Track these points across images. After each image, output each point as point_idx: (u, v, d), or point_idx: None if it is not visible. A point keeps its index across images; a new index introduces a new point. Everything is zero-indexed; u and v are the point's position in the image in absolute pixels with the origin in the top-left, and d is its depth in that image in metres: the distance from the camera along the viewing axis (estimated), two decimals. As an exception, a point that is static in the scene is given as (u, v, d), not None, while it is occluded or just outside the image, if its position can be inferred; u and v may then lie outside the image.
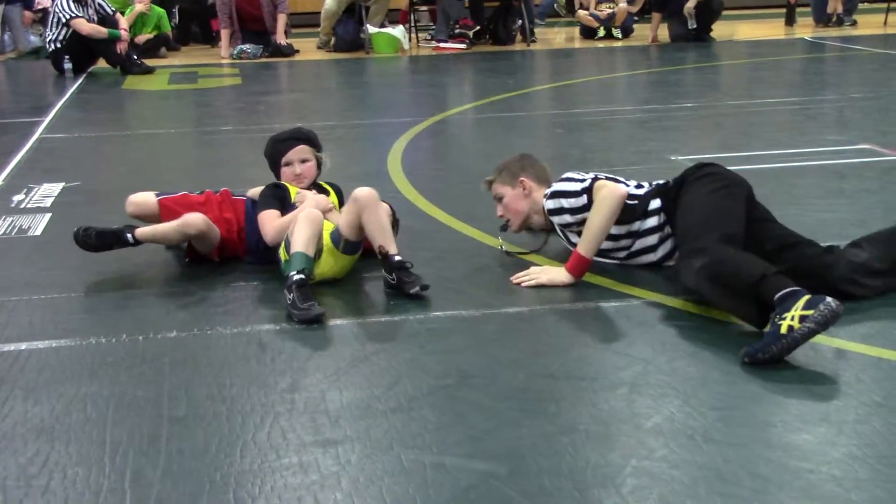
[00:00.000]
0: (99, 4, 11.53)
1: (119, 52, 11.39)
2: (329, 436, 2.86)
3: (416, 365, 3.35)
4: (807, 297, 3.25)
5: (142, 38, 12.66)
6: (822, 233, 4.63)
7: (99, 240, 4.36)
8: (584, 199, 4.14)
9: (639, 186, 4.24)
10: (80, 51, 11.38)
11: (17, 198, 5.69)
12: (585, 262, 4.07)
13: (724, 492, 2.52)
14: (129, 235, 4.36)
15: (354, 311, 3.89)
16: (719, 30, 13.58)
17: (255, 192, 4.56)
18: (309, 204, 4.25)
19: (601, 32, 13.94)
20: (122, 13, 12.08)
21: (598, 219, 4.03)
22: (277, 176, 4.57)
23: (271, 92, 10.59)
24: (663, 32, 13.47)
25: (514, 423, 2.92)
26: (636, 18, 14.69)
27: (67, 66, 11.42)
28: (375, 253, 4.04)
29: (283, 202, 4.36)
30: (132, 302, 4.04)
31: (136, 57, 11.61)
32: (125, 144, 7.57)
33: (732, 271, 3.50)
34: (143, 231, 4.38)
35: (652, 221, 4.16)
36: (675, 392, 3.09)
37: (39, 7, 14.06)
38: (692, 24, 13.05)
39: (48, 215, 5.31)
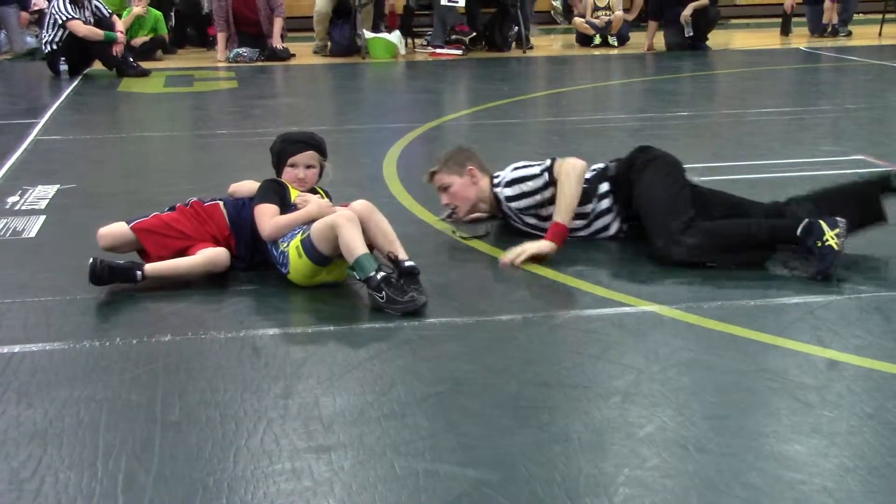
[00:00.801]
0: (96, 6, 11.52)
1: (115, 54, 11.38)
2: (322, 442, 2.86)
3: (410, 371, 3.36)
4: (823, 221, 4.10)
5: (138, 41, 12.66)
6: (815, 243, 4.64)
7: (111, 275, 4.19)
8: (544, 178, 4.54)
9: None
10: (76, 52, 11.38)
11: (11, 199, 5.68)
12: (563, 229, 4.43)
13: (716, 502, 2.53)
14: (138, 273, 4.19)
15: (348, 317, 3.89)
16: (715, 39, 13.61)
17: (238, 187, 4.55)
18: (313, 208, 4.25)
19: (597, 40, 13.96)
20: (119, 15, 12.08)
21: (569, 188, 4.45)
22: (279, 173, 4.55)
23: (267, 96, 10.59)
24: (659, 41, 13.50)
25: (506, 430, 2.92)
26: (636, 26, 14.73)
27: (63, 67, 11.42)
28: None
29: (282, 200, 4.35)
30: (126, 305, 4.04)
31: (132, 59, 11.61)
32: (120, 147, 7.56)
33: (727, 240, 4.25)
34: (156, 267, 4.24)
35: (605, 203, 4.66)
36: (667, 401, 3.09)
37: (36, 8, 14.06)
38: (688, 33, 13.08)
39: (42, 217, 5.30)
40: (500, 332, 3.72)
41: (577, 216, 4.58)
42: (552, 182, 4.53)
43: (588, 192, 4.59)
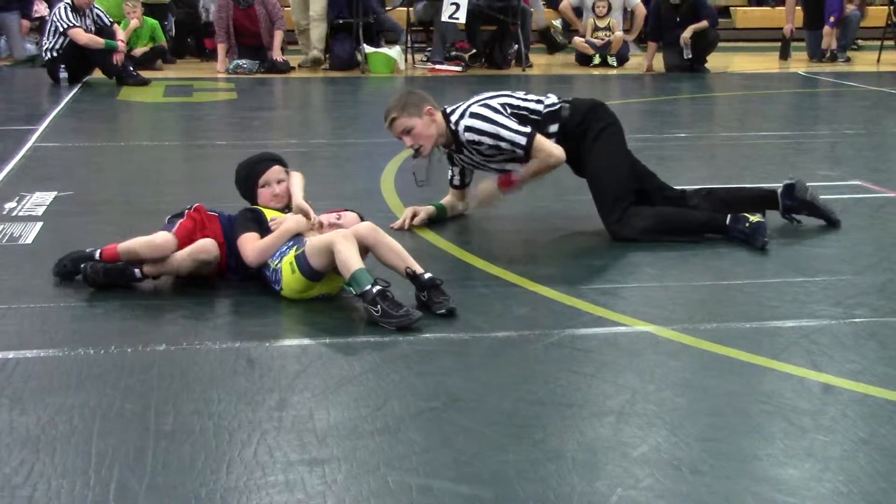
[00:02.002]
0: (97, 15, 11.54)
1: (115, 62, 11.39)
2: (316, 455, 2.86)
3: (404, 386, 3.35)
4: (749, 216, 4.96)
5: (139, 52, 12.67)
6: (810, 267, 4.67)
7: (106, 277, 4.26)
8: (522, 142, 4.93)
9: (538, 102, 5.10)
10: (77, 60, 11.38)
11: (8, 206, 5.68)
12: (514, 184, 5.02)
13: (708, 524, 2.53)
14: (136, 270, 4.25)
15: (344, 331, 3.88)
16: (714, 61, 13.64)
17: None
18: (290, 224, 4.26)
19: (597, 60, 13.99)
20: (119, 23, 12.08)
21: (542, 166, 4.99)
22: (252, 201, 4.54)
23: (266, 108, 10.60)
24: (658, 62, 13.53)
25: (500, 447, 2.92)
26: (639, 46, 14.77)
27: (63, 75, 11.41)
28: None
29: (260, 225, 4.35)
30: (121, 314, 4.03)
31: (131, 68, 11.61)
32: (118, 155, 7.56)
33: (674, 223, 4.99)
34: (151, 266, 4.28)
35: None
36: (662, 422, 3.09)
37: (37, 16, 14.06)
38: (687, 55, 13.10)
39: (39, 224, 5.30)
40: (496, 348, 3.72)
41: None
42: (526, 155, 4.98)
43: (540, 124, 5.02)
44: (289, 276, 4.11)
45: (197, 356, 3.60)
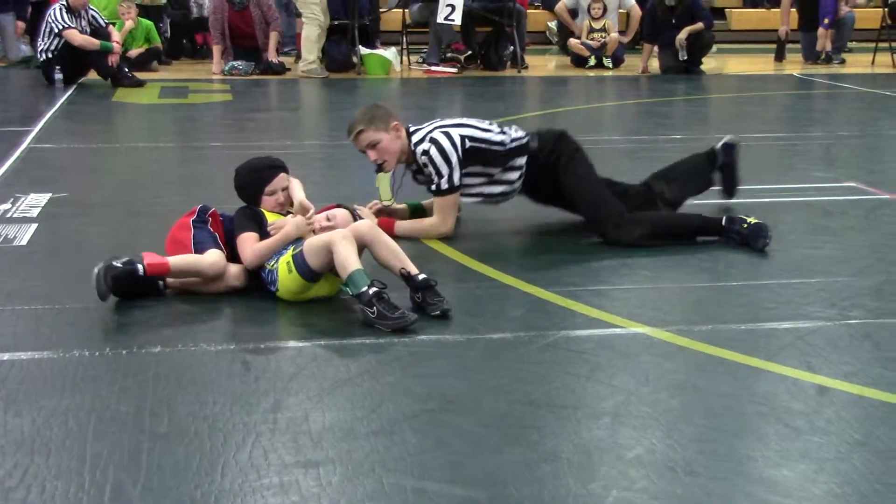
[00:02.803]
0: (92, 16, 11.51)
1: (111, 64, 11.37)
2: (311, 457, 2.86)
3: (399, 388, 3.35)
4: (746, 217, 5.02)
5: (134, 53, 12.65)
6: (805, 269, 4.67)
7: (128, 286, 4.12)
8: (444, 187, 4.99)
9: (502, 133, 5.09)
10: (72, 62, 11.35)
11: (3, 207, 5.67)
12: (391, 231, 4.79)
13: (703, 525, 2.53)
14: (139, 266, 4.11)
15: (339, 333, 3.88)
16: (709, 63, 13.65)
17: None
18: (290, 229, 4.25)
19: (592, 61, 13.99)
20: (114, 25, 12.06)
21: (423, 230, 5.03)
22: (256, 204, 4.45)
23: (261, 109, 10.59)
24: (654, 64, 13.54)
25: (495, 449, 2.92)
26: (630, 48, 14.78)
27: (58, 76, 11.38)
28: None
29: (259, 226, 4.33)
30: (116, 316, 4.03)
31: (127, 69, 11.60)
32: (113, 157, 7.56)
33: (672, 227, 5.05)
34: (176, 280, 4.25)
35: (512, 175, 5.11)
36: (657, 423, 3.09)
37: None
38: (683, 57, 13.11)
39: (34, 226, 5.29)
40: (491, 350, 3.72)
41: (479, 174, 5.07)
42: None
43: (505, 158, 5.06)
44: (285, 276, 4.11)
45: (192, 358, 3.60)
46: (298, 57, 13.08)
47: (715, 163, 5.63)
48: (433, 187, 5.03)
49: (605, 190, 5.11)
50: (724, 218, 5.04)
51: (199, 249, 4.25)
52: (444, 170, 4.97)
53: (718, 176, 5.67)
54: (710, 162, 5.64)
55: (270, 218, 4.38)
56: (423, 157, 4.99)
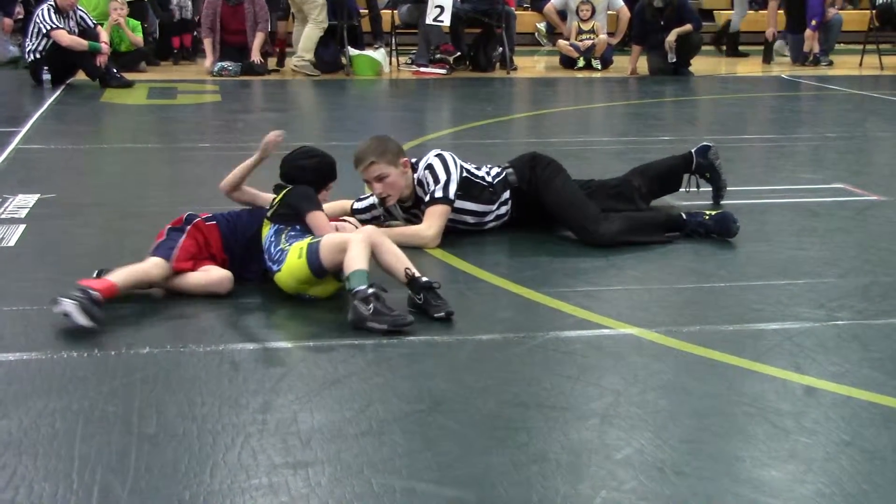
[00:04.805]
0: (80, 17, 11.49)
1: (99, 64, 11.35)
2: (300, 458, 2.86)
3: (388, 389, 3.35)
4: (707, 211, 5.25)
5: (136, 39, 12.62)
6: (793, 270, 4.68)
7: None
8: (438, 196, 4.98)
9: (479, 169, 5.23)
10: (60, 62, 11.33)
11: (-9, 208, 5.66)
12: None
13: (692, 526, 2.53)
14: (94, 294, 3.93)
15: (328, 334, 3.88)
16: (698, 65, 13.68)
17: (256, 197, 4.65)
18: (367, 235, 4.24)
19: (581, 63, 14.01)
20: (102, 25, 12.03)
21: (409, 236, 4.90)
22: (318, 190, 4.52)
23: (250, 110, 10.58)
24: (642, 65, 13.56)
25: (484, 450, 2.92)
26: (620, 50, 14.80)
27: (46, 77, 11.36)
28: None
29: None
30: (105, 316, 4.01)
31: (115, 70, 11.57)
32: (102, 157, 7.54)
33: (643, 225, 5.17)
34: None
35: (503, 209, 5.26)
36: (645, 424, 3.10)
37: (20, 17, 13.98)
38: (671, 58, 13.14)
39: (22, 226, 5.27)
40: (480, 351, 3.72)
41: (473, 213, 5.18)
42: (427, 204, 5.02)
43: (488, 196, 5.19)
44: (293, 260, 4.12)
45: (181, 359, 3.59)
46: (276, 58, 13.14)
47: (690, 165, 5.78)
48: (427, 197, 5.03)
49: (582, 195, 5.22)
50: (683, 213, 5.23)
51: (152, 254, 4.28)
52: (443, 177, 5.02)
53: (698, 180, 5.81)
54: (685, 164, 5.80)
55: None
56: (425, 171, 5.06)
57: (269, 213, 4.39)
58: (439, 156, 5.12)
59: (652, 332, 3.89)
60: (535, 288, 4.38)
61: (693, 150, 5.82)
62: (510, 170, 5.30)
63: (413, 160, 5.14)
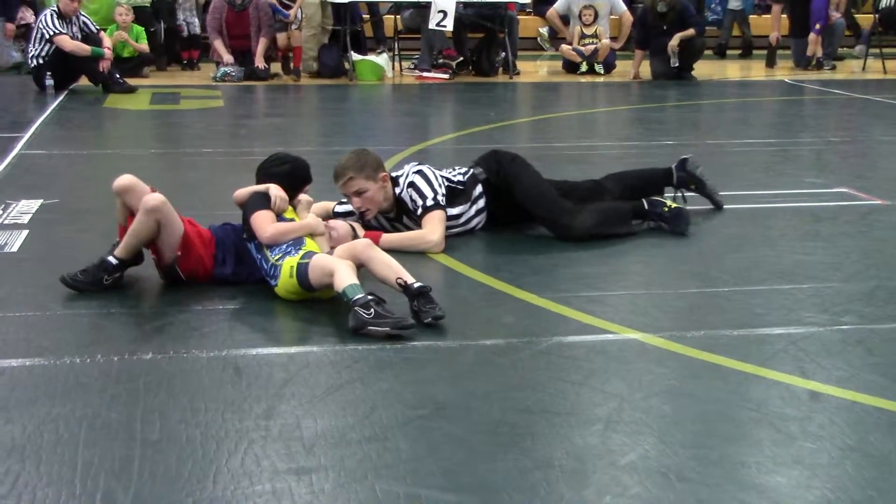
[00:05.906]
0: (83, 22, 11.50)
1: (102, 70, 11.35)
2: (303, 464, 2.85)
3: (392, 394, 3.35)
4: (658, 199, 5.48)
5: (142, 47, 12.64)
6: (797, 275, 4.67)
7: (86, 277, 4.32)
8: (430, 203, 5.02)
9: (451, 172, 5.31)
10: (63, 68, 11.33)
11: (-6, 213, 5.66)
12: (376, 242, 4.54)
13: (697, 532, 2.52)
14: (111, 259, 4.35)
15: (331, 339, 3.87)
16: (700, 69, 13.68)
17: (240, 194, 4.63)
18: (312, 222, 4.44)
19: (584, 67, 14.01)
20: (105, 30, 12.04)
21: (414, 241, 4.97)
22: (294, 193, 4.55)
23: (253, 115, 10.59)
24: (645, 69, 13.56)
25: (488, 456, 2.91)
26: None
27: (49, 82, 11.36)
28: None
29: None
30: (108, 322, 4.02)
31: (118, 75, 11.58)
32: (105, 163, 7.54)
33: (613, 215, 5.31)
34: (120, 247, 4.37)
35: (480, 203, 5.33)
36: (649, 430, 3.09)
37: (23, 23, 13.99)
38: (674, 63, 13.14)
39: (25, 232, 5.27)
40: (484, 356, 3.71)
41: (456, 216, 5.22)
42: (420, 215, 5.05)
43: (464, 196, 5.27)
44: (286, 278, 4.18)
45: (184, 365, 3.59)
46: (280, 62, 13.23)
47: (671, 179, 5.81)
48: (419, 210, 5.04)
49: (552, 189, 5.34)
50: (645, 202, 5.40)
51: None
52: (429, 192, 5.06)
53: (684, 195, 5.79)
54: (665, 178, 5.84)
55: (289, 216, 4.47)
56: (408, 190, 5.09)
57: (244, 233, 4.43)
58: (419, 172, 5.15)
59: (656, 337, 3.88)
60: (539, 293, 4.37)
61: (673, 166, 5.83)
62: (476, 167, 5.40)
63: (393, 174, 5.16)
